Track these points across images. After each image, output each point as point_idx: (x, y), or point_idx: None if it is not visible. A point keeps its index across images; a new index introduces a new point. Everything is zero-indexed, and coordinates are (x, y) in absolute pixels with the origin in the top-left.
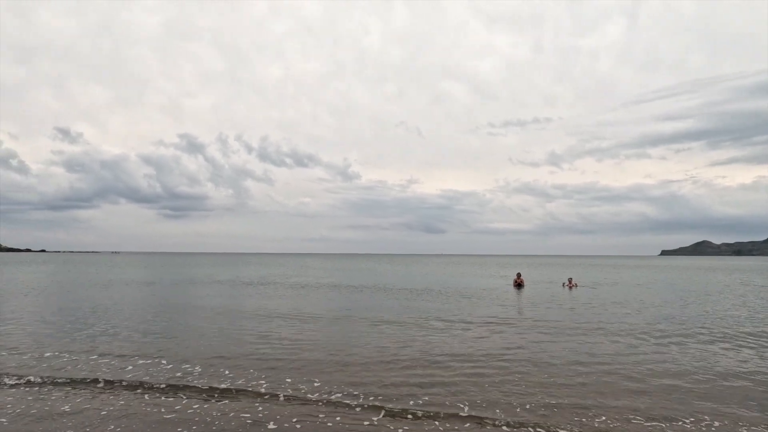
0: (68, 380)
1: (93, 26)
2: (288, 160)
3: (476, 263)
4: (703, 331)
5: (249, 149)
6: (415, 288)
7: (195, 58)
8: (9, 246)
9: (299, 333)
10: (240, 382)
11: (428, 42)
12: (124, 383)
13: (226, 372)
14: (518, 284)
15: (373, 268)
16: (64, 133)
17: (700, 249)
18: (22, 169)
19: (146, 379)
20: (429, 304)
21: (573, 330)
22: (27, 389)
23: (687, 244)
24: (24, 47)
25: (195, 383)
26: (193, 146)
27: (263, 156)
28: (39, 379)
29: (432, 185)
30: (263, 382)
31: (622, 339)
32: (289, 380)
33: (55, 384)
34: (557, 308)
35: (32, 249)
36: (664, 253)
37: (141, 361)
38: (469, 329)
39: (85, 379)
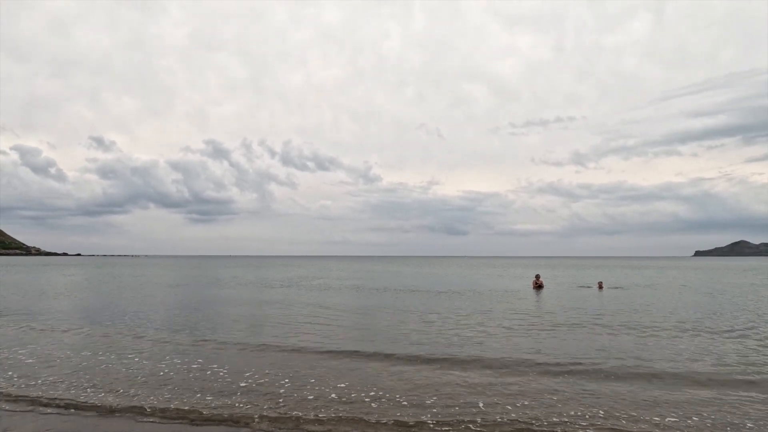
0: (101, 381)
1: (124, 40)
2: (310, 164)
3: (499, 265)
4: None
5: (272, 154)
6: (434, 290)
7: (219, 68)
8: (48, 250)
9: (317, 365)
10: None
11: (448, 45)
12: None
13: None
14: (537, 286)
15: (394, 270)
16: (98, 142)
17: (738, 249)
18: (60, 176)
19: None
20: (447, 310)
21: (603, 364)
22: (59, 391)
23: (722, 245)
24: (61, 62)
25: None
26: (219, 152)
27: (286, 160)
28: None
29: (453, 187)
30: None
31: (665, 377)
32: (312, 380)
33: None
34: (583, 321)
35: (69, 253)
36: (698, 253)
37: (174, 359)
38: (480, 363)
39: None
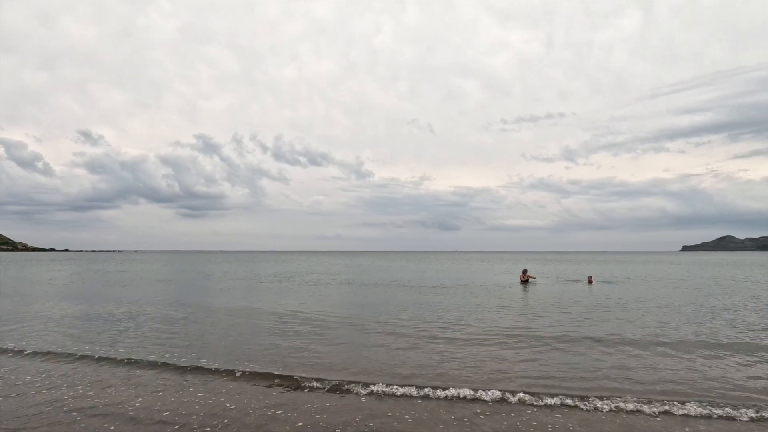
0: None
1: (112, 32)
2: (302, 159)
3: (490, 260)
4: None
5: (264, 149)
6: (426, 285)
7: (210, 61)
8: (34, 246)
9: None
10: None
11: (441, 40)
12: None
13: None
14: (525, 280)
15: (386, 265)
16: (86, 136)
17: (723, 244)
18: (47, 171)
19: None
20: (436, 308)
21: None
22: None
23: (709, 239)
24: (47, 53)
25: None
26: (210, 146)
27: (278, 155)
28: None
29: (445, 182)
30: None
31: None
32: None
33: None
34: (567, 327)
35: (56, 249)
36: (685, 248)
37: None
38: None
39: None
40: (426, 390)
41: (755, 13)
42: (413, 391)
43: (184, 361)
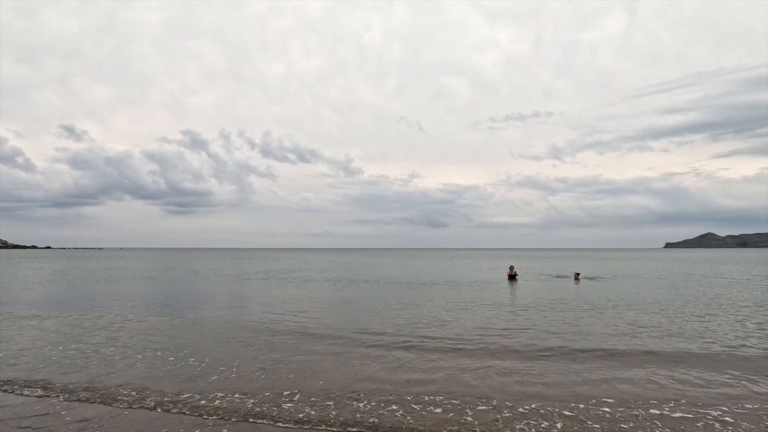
0: (68, 382)
1: (96, 25)
2: (290, 156)
3: (478, 257)
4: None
5: (252, 145)
6: (415, 282)
7: (197, 56)
8: (15, 243)
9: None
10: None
11: (429, 37)
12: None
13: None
14: (511, 276)
15: (373, 263)
16: (69, 131)
17: (705, 241)
18: (28, 166)
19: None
20: (422, 305)
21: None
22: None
23: (691, 237)
24: (28, 47)
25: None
26: (197, 142)
27: (266, 152)
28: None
29: (434, 180)
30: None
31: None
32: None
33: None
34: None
35: (38, 246)
36: (668, 245)
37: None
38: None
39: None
40: (406, 398)
41: (736, 15)
42: (395, 406)
43: (167, 390)
